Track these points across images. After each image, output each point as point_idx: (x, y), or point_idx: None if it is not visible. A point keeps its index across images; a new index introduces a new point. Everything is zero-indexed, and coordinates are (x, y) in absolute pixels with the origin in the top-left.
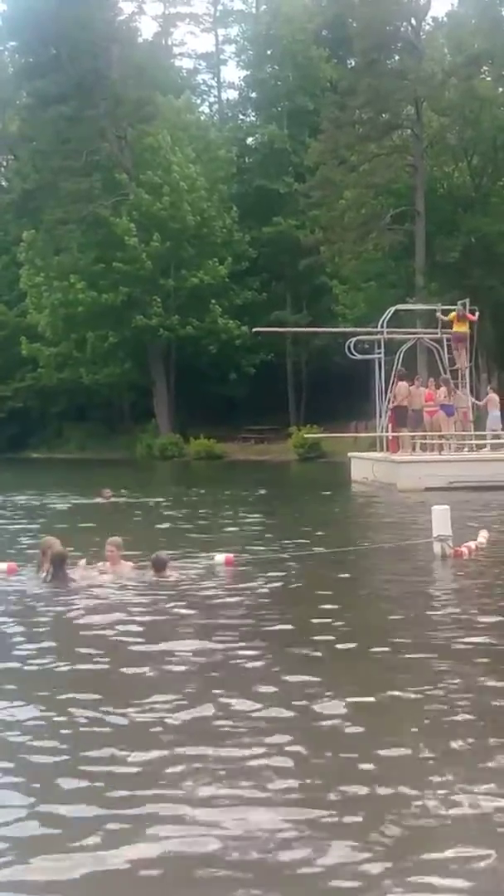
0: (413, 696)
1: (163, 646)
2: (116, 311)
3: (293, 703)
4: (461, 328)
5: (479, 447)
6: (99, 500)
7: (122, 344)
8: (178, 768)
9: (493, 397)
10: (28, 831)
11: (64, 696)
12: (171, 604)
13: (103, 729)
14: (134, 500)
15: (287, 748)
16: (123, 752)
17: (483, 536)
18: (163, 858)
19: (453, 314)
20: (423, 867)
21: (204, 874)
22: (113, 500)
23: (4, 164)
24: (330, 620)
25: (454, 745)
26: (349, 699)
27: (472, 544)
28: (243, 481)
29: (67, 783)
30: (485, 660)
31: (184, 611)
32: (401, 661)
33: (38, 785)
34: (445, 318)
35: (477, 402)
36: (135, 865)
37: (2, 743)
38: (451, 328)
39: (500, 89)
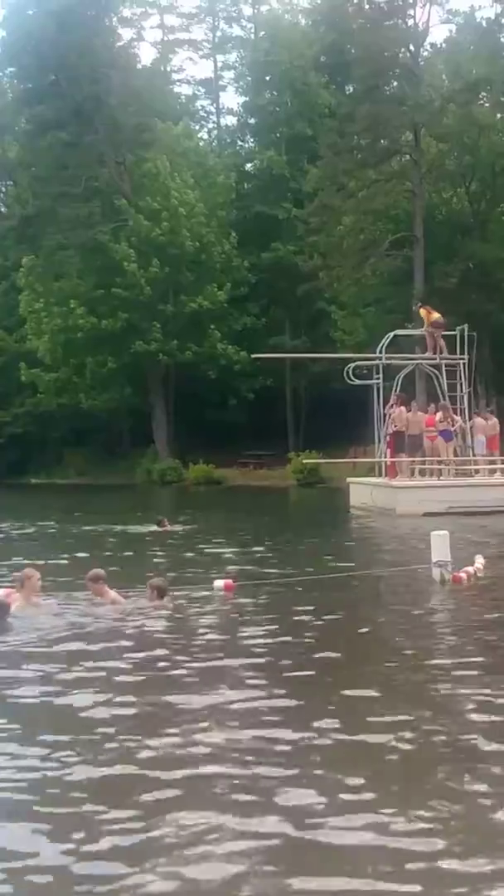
0: (409, 724)
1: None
2: (116, 337)
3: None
4: (433, 316)
5: (477, 472)
6: (155, 528)
7: (121, 369)
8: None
9: (479, 422)
10: None
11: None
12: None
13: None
14: (187, 527)
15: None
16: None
17: (480, 561)
18: None
19: (423, 310)
20: None
21: None
22: (168, 528)
23: (3, 189)
24: (328, 646)
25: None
26: (340, 724)
27: (470, 569)
28: (252, 507)
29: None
30: (481, 690)
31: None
32: (399, 688)
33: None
34: (418, 310)
35: (462, 425)
36: None
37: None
38: (425, 325)
39: (499, 115)
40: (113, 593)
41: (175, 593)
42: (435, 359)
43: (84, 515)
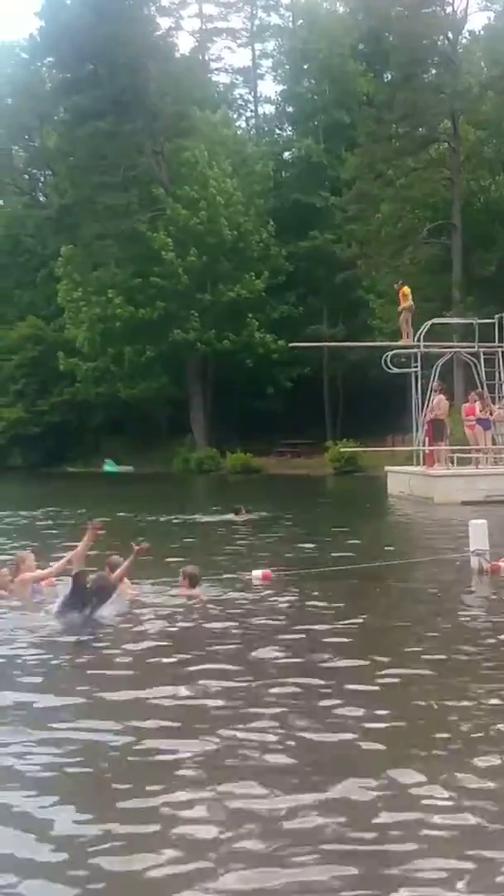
0: (446, 710)
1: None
2: (153, 326)
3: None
4: (404, 302)
5: None
6: (233, 516)
7: (158, 358)
8: None
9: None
10: None
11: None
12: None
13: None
14: (264, 516)
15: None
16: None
17: None
18: None
19: (406, 287)
20: None
21: None
22: (247, 517)
23: (42, 179)
24: (366, 634)
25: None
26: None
27: None
28: (290, 496)
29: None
30: None
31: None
32: (434, 678)
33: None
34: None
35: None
36: None
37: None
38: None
39: None
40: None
41: (210, 582)
42: (474, 347)
43: (152, 504)
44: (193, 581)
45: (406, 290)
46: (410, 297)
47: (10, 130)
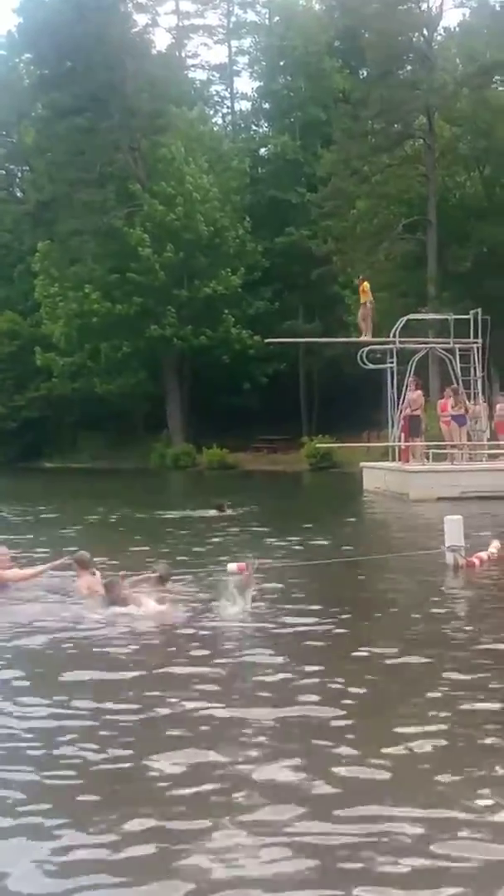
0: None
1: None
2: (130, 322)
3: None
4: (365, 297)
5: (493, 457)
6: (213, 512)
7: (135, 354)
8: None
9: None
10: None
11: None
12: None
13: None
14: (240, 511)
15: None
16: None
17: (495, 546)
18: None
19: (366, 282)
20: None
21: None
22: (228, 512)
23: (20, 175)
24: (339, 630)
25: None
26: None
27: (483, 554)
28: (266, 492)
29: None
30: (488, 674)
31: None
32: (406, 672)
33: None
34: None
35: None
36: None
37: None
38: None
39: None
40: (89, 578)
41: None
42: (448, 343)
43: (130, 500)
44: (164, 578)
45: (366, 285)
46: (370, 292)
47: None
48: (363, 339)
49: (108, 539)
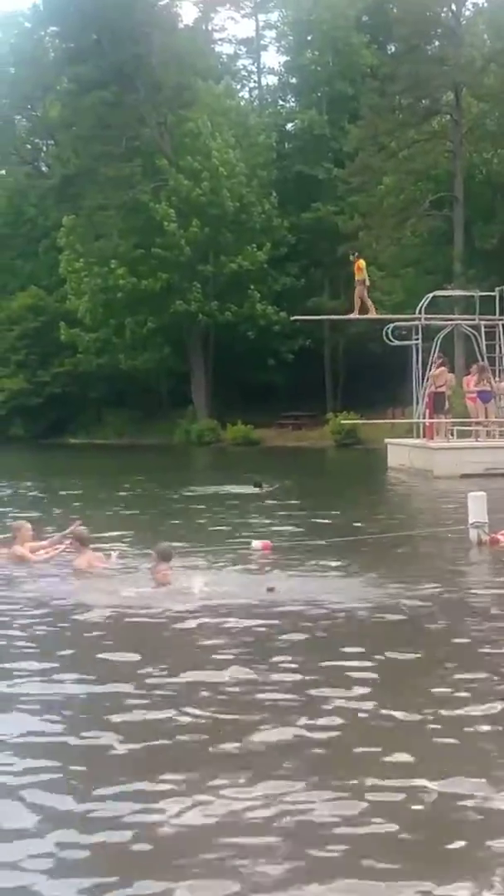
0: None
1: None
2: (155, 297)
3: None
4: (360, 276)
5: None
6: (254, 489)
7: (160, 330)
8: None
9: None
10: None
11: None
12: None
13: None
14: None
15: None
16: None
17: None
18: None
19: (361, 260)
20: None
21: None
22: (267, 489)
23: (45, 149)
24: (363, 605)
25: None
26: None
27: None
28: (290, 468)
29: None
30: None
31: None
32: (430, 651)
33: None
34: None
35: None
36: None
37: None
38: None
39: None
40: (89, 555)
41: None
42: (474, 319)
43: (157, 476)
44: (164, 557)
45: (361, 263)
46: (365, 270)
47: (12, 100)
48: (355, 315)
49: (147, 517)
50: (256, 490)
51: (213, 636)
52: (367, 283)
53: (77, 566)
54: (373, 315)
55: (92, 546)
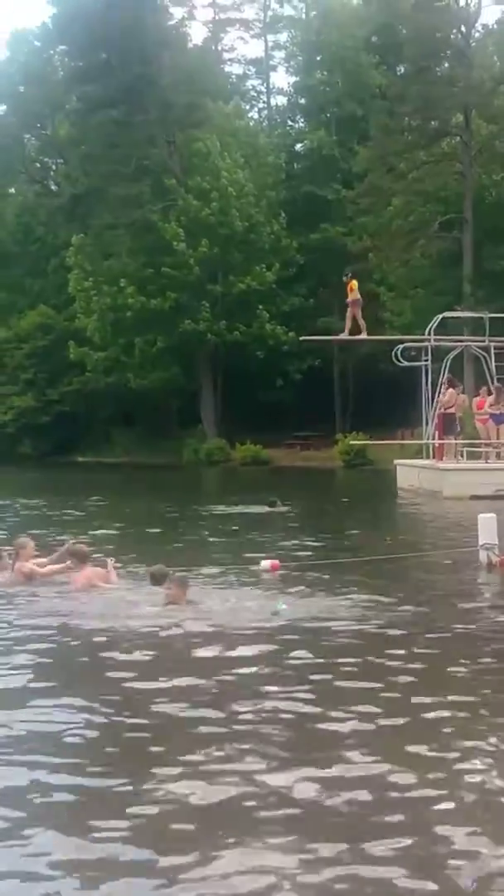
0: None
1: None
2: (164, 316)
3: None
4: (353, 296)
5: None
6: (266, 508)
7: (169, 349)
8: None
9: None
10: None
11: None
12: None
13: None
14: (296, 509)
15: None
16: None
17: None
18: None
19: (354, 281)
20: None
21: None
22: (280, 509)
23: (54, 167)
24: (371, 626)
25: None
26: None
27: None
28: (299, 488)
29: None
30: None
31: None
32: (437, 670)
33: None
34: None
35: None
36: None
37: None
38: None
39: None
40: (88, 571)
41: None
42: (483, 340)
43: (177, 495)
44: (158, 579)
45: (354, 283)
46: (357, 290)
47: (22, 118)
48: (344, 336)
49: (164, 536)
50: (270, 509)
51: (219, 656)
52: (361, 302)
53: (76, 583)
54: (364, 336)
55: (91, 562)
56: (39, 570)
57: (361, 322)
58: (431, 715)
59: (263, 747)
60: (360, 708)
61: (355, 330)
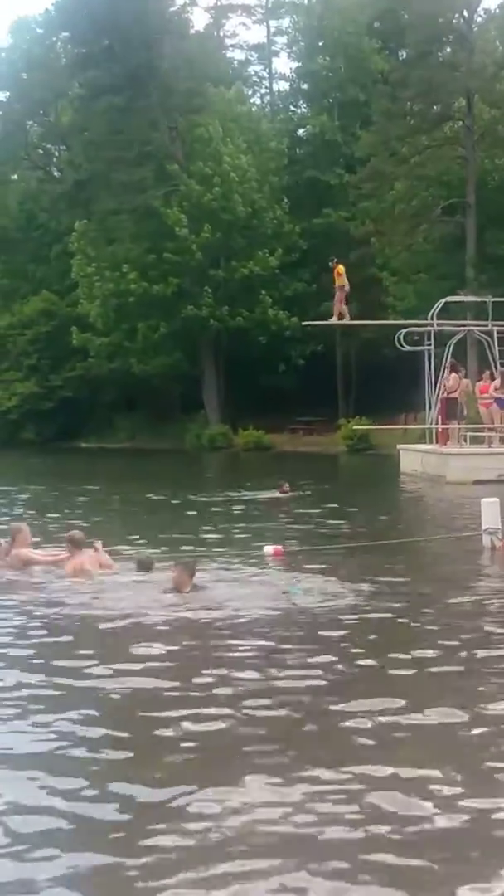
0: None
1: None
2: (167, 302)
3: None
4: (340, 281)
5: None
6: (277, 494)
7: (172, 334)
8: None
9: None
10: None
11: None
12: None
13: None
14: (309, 494)
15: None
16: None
17: None
18: None
19: (340, 266)
20: None
21: None
22: (291, 493)
23: (57, 154)
24: (374, 613)
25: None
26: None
27: None
28: (303, 473)
29: None
30: None
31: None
32: (437, 656)
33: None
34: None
35: None
36: None
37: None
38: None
39: None
40: (81, 558)
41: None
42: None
43: (181, 481)
44: (145, 567)
45: (340, 269)
46: (345, 276)
47: (25, 105)
48: (334, 321)
49: (181, 523)
50: (279, 494)
51: (224, 642)
52: (347, 289)
53: (68, 570)
54: (346, 321)
55: (86, 548)
56: (36, 557)
57: (343, 309)
58: (443, 700)
59: (275, 740)
60: (370, 692)
61: (340, 317)
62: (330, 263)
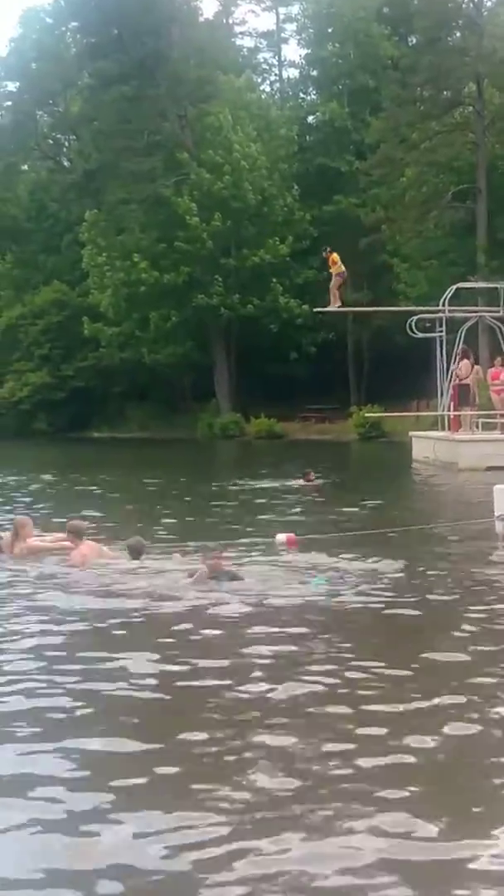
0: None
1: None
2: (178, 291)
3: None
4: (336, 269)
5: None
6: (302, 482)
7: (183, 323)
8: None
9: None
10: None
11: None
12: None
13: None
14: (333, 481)
15: None
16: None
17: None
18: None
19: (335, 254)
20: None
21: None
22: (315, 482)
23: (67, 144)
24: (386, 599)
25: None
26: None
27: None
28: (317, 461)
29: None
30: None
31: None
32: (451, 642)
33: None
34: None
35: None
36: None
37: None
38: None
39: None
40: (84, 548)
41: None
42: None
43: (195, 469)
44: (135, 552)
45: (335, 256)
46: (340, 262)
47: (34, 95)
48: (331, 307)
49: (183, 510)
50: (304, 483)
51: (241, 630)
52: (345, 276)
53: (71, 560)
54: (337, 308)
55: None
56: (41, 546)
57: (336, 295)
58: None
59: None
60: (388, 681)
61: (333, 301)
62: (324, 254)
